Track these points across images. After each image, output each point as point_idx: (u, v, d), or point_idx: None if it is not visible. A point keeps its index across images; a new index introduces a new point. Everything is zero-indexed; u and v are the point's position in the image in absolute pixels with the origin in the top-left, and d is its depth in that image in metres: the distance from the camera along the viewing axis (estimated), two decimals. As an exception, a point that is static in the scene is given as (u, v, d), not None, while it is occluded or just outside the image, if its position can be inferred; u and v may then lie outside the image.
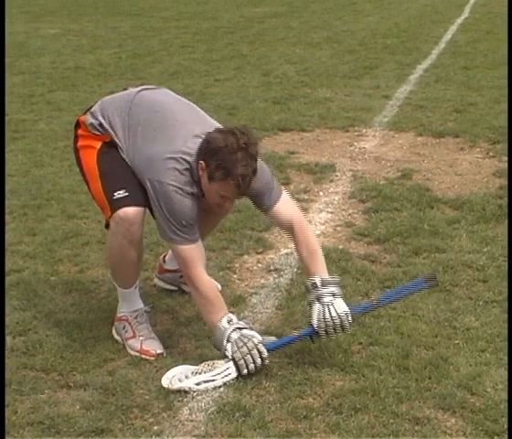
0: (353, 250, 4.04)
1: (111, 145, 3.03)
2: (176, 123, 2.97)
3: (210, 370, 2.86)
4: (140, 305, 3.20)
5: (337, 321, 2.92)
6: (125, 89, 3.27)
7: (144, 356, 3.05)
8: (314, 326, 2.95)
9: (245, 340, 2.88)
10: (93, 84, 7.86)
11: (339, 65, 9.02)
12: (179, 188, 2.86)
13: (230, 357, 2.87)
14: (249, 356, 2.86)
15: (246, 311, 3.38)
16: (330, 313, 2.92)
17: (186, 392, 2.80)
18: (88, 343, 3.13)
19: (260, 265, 3.88)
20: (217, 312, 2.95)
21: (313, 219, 4.48)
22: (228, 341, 2.89)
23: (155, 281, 3.65)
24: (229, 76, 8.44)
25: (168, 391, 2.80)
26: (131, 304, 3.18)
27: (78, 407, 2.73)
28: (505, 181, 4.96)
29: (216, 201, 2.95)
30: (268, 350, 2.91)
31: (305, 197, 4.83)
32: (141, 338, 3.10)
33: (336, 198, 4.80)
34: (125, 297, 3.18)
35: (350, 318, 2.95)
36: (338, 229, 4.35)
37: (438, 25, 12.22)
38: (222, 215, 3.50)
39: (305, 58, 9.47)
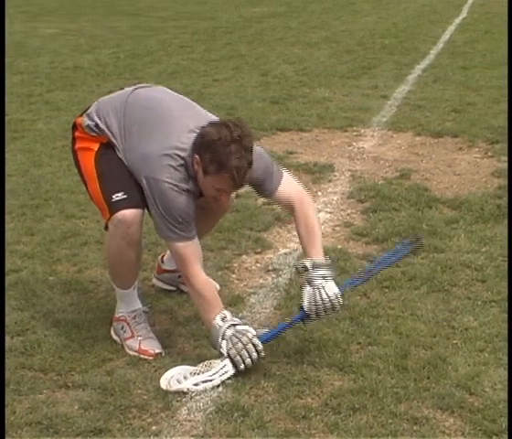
0: (351, 250, 4.04)
1: (108, 147, 3.03)
2: (171, 120, 2.96)
3: (208, 370, 2.86)
4: (138, 305, 3.20)
5: (328, 304, 2.92)
6: (122, 89, 3.27)
7: (142, 356, 3.05)
8: (305, 308, 2.94)
9: (239, 336, 2.88)
10: (92, 84, 7.86)
11: (338, 65, 9.03)
12: (174, 185, 2.86)
13: (226, 354, 2.88)
14: (244, 351, 2.86)
15: (244, 311, 3.38)
16: (321, 296, 2.92)
17: (184, 393, 2.80)
18: (86, 343, 3.13)
19: (258, 265, 3.88)
20: (212, 310, 2.94)
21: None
22: (223, 339, 2.89)
23: (154, 281, 3.65)
24: (227, 76, 8.44)
25: (167, 392, 2.80)
26: (129, 304, 3.18)
27: (76, 407, 2.73)
28: (503, 181, 4.96)
29: (212, 195, 2.94)
30: (262, 342, 2.91)
31: (304, 196, 4.83)
32: (139, 338, 3.10)
33: (335, 198, 4.80)
34: (124, 298, 3.18)
35: (341, 300, 2.95)
36: (337, 229, 4.35)
37: (436, 25, 12.23)
38: (220, 214, 3.50)
39: (304, 58, 9.48)
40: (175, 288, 3.56)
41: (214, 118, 3.03)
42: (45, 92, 7.63)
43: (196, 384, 2.82)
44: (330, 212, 4.58)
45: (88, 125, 3.07)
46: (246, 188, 4.85)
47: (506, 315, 3.30)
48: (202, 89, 7.71)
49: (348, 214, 4.54)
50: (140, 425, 2.64)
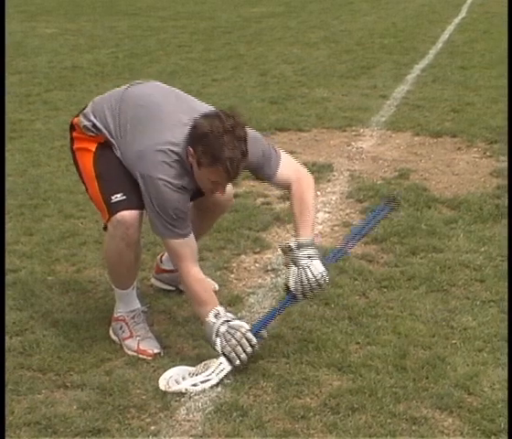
0: (350, 249, 4.04)
1: (106, 147, 3.03)
2: (164, 115, 2.95)
3: (205, 371, 2.87)
4: (137, 305, 3.20)
5: (314, 283, 2.91)
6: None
7: (141, 356, 3.04)
8: (292, 289, 2.94)
9: (232, 332, 2.88)
10: (90, 84, 7.85)
11: (336, 65, 9.03)
12: (169, 182, 2.85)
13: (220, 352, 2.88)
14: (238, 347, 2.86)
15: (243, 311, 3.38)
16: (307, 276, 2.91)
17: (183, 393, 2.79)
18: (85, 343, 3.13)
19: (257, 265, 3.88)
20: (205, 305, 2.94)
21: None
22: (216, 336, 2.89)
23: (152, 281, 3.65)
24: (226, 76, 8.44)
25: (165, 392, 2.80)
26: (128, 304, 3.18)
27: (75, 407, 2.73)
28: (502, 181, 4.96)
29: (208, 187, 2.93)
30: (256, 332, 2.91)
31: (303, 196, 4.83)
32: (138, 338, 3.10)
33: (334, 198, 4.80)
34: (122, 298, 3.18)
35: (327, 279, 2.94)
36: (336, 228, 4.35)
37: (435, 24, 12.23)
38: (218, 214, 3.50)
39: (303, 58, 9.47)
40: (173, 288, 3.56)
41: (209, 108, 3.01)
42: (43, 92, 7.62)
43: (194, 385, 2.82)
44: (329, 212, 4.58)
45: (85, 126, 3.07)
46: (245, 188, 4.88)
47: (504, 315, 3.30)
48: (201, 89, 7.71)
49: (347, 214, 4.54)
50: (139, 425, 2.64)
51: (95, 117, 3.05)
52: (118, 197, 2.96)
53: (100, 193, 3.01)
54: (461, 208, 4.53)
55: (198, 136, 2.81)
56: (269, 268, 3.84)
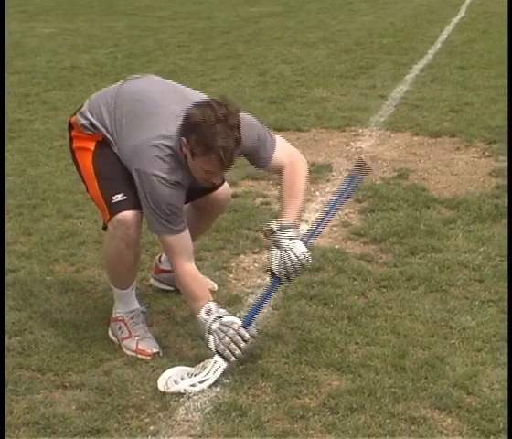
0: (349, 249, 4.04)
1: (104, 145, 3.02)
2: (158, 109, 2.93)
3: (202, 371, 2.87)
4: (136, 305, 3.20)
5: (298, 265, 2.90)
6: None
7: (140, 356, 3.04)
8: (275, 272, 2.92)
9: (225, 329, 2.88)
10: (89, 84, 7.84)
11: (335, 65, 9.03)
12: (163, 178, 2.84)
13: (214, 350, 2.88)
14: (232, 344, 2.86)
15: (242, 311, 3.37)
16: (289, 258, 2.89)
17: (181, 393, 2.79)
18: (84, 343, 3.13)
19: (256, 265, 3.88)
20: (198, 301, 2.94)
21: (309, 219, 4.47)
22: (209, 333, 2.89)
23: (151, 281, 3.65)
24: (224, 76, 8.44)
25: (164, 392, 2.80)
26: (127, 304, 3.18)
27: (74, 407, 2.72)
28: (501, 181, 4.97)
29: (202, 177, 2.91)
30: (248, 325, 2.91)
31: (302, 196, 4.82)
32: (137, 338, 3.10)
33: (333, 198, 4.79)
34: (122, 298, 3.18)
35: (310, 259, 2.93)
36: (335, 228, 4.34)
37: (434, 24, 12.23)
38: (216, 214, 3.50)
39: (301, 58, 9.47)
40: (172, 288, 3.55)
41: (202, 97, 2.97)
42: (42, 92, 7.62)
43: (192, 385, 2.82)
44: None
45: (83, 124, 3.06)
46: (243, 188, 4.88)
47: (503, 315, 3.30)
48: (200, 89, 7.61)
49: (346, 214, 4.54)
50: (138, 425, 2.64)
51: (92, 115, 3.05)
52: (119, 197, 2.96)
53: (100, 193, 3.01)
54: (460, 208, 4.53)
55: (191, 126, 2.79)
56: (268, 268, 3.82)
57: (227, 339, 2.86)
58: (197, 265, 3.64)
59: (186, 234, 2.96)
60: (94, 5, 14.82)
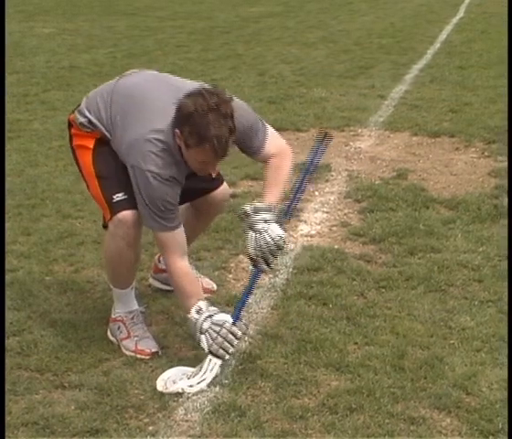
0: (348, 249, 4.04)
1: (103, 143, 3.02)
2: (150, 103, 2.92)
3: (199, 372, 2.87)
4: (135, 306, 3.20)
5: (274, 247, 2.87)
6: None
7: (139, 356, 3.04)
8: (252, 255, 2.90)
9: (217, 329, 2.87)
10: (88, 84, 7.83)
11: (335, 65, 9.03)
12: (157, 174, 2.83)
13: (207, 350, 2.87)
14: (225, 343, 2.86)
15: (242, 311, 3.37)
16: (265, 240, 2.86)
17: (180, 393, 2.79)
18: (83, 343, 3.13)
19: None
20: (189, 299, 2.93)
21: (308, 219, 4.48)
22: (201, 333, 2.88)
23: (150, 281, 3.64)
24: (224, 76, 8.44)
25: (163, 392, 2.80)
26: (126, 304, 3.17)
27: (73, 407, 2.72)
28: (500, 181, 4.97)
29: (198, 167, 2.90)
30: (237, 320, 2.90)
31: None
32: (135, 338, 3.09)
33: (332, 198, 4.79)
34: (121, 298, 3.17)
35: (287, 241, 2.90)
36: (334, 228, 4.35)
37: (433, 24, 12.23)
38: (215, 214, 3.50)
39: (301, 58, 9.47)
40: (171, 288, 3.55)
41: (194, 85, 2.94)
42: (41, 92, 7.61)
43: (190, 386, 2.82)
44: (327, 212, 4.58)
45: (81, 123, 3.06)
46: (242, 188, 4.88)
47: (502, 315, 3.30)
48: (199, 88, 7.69)
49: (345, 214, 4.54)
50: (137, 425, 2.63)
51: (90, 112, 3.04)
52: (119, 196, 2.96)
53: (101, 192, 3.02)
54: (459, 208, 4.53)
55: (183, 117, 2.77)
56: (267, 268, 3.83)
57: (220, 339, 2.86)
58: (196, 265, 3.67)
59: (181, 231, 2.95)
60: (94, 5, 14.81)
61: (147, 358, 3.03)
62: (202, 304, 2.92)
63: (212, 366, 2.86)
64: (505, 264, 3.76)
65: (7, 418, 2.64)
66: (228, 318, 2.91)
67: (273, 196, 2.94)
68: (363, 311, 3.35)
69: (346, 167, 5.37)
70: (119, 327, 3.15)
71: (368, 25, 12.34)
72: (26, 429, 2.61)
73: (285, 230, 2.93)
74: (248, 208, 2.90)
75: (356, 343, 3.11)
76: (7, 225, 4.28)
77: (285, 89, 7.73)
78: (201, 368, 2.87)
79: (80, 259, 3.92)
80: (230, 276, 3.76)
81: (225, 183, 3.39)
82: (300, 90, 7.69)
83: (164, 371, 2.91)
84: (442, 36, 11.10)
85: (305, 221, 4.45)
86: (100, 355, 3.05)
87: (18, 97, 7.35)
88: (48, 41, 10.76)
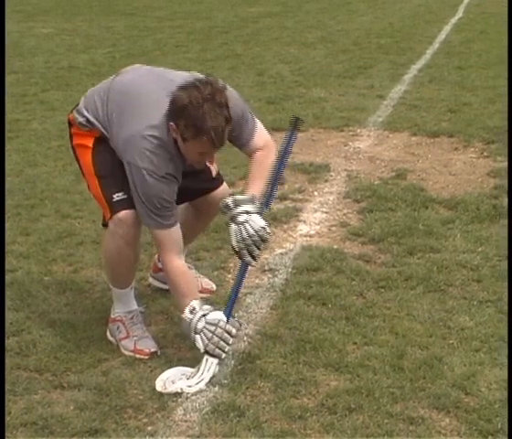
0: (347, 250, 4.04)
1: (103, 141, 3.02)
2: (143, 98, 2.91)
3: (197, 372, 2.87)
4: (134, 306, 3.20)
5: (256, 238, 2.87)
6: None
7: (138, 355, 3.04)
8: (235, 248, 2.90)
9: (212, 329, 2.86)
10: (87, 84, 7.83)
11: (333, 65, 9.03)
12: (153, 172, 2.83)
13: (203, 351, 2.87)
14: (221, 342, 2.86)
15: (240, 311, 3.38)
16: (247, 231, 2.86)
17: (179, 393, 2.79)
18: (82, 343, 3.12)
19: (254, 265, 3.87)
20: (184, 298, 2.93)
21: (307, 219, 4.48)
22: (195, 333, 2.88)
23: (150, 280, 3.64)
24: (223, 76, 8.37)
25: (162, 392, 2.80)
26: (126, 304, 3.17)
27: (72, 407, 2.72)
28: (499, 181, 4.97)
29: (195, 159, 2.89)
30: (230, 316, 2.90)
31: (300, 196, 4.83)
32: (134, 338, 3.09)
33: (331, 198, 4.79)
34: (120, 298, 3.17)
35: (269, 230, 2.90)
36: (333, 229, 4.35)
37: (432, 25, 12.23)
38: (214, 214, 3.49)
39: (300, 58, 9.47)
40: (170, 288, 3.55)
41: (186, 76, 2.92)
42: (40, 92, 7.61)
43: (189, 386, 2.82)
44: (326, 212, 4.58)
45: (80, 122, 3.06)
46: (242, 188, 4.87)
47: (501, 316, 3.30)
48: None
49: (344, 214, 4.54)
50: (135, 426, 2.63)
51: (88, 111, 3.04)
52: (119, 195, 2.96)
53: (101, 191, 3.02)
54: (458, 208, 4.53)
55: (178, 110, 2.75)
56: (266, 268, 3.83)
57: (215, 338, 2.86)
58: (195, 265, 3.67)
59: (177, 229, 2.95)
60: (93, 5, 14.81)
61: (146, 358, 3.03)
62: (195, 303, 2.92)
63: (209, 366, 2.86)
64: (504, 264, 3.77)
65: (7, 418, 2.64)
66: (221, 316, 2.91)
67: (256, 188, 2.95)
68: (362, 311, 3.35)
69: (345, 167, 5.37)
70: (118, 327, 3.14)
71: (367, 25, 12.35)
72: (25, 429, 2.61)
73: (268, 222, 2.93)
74: (229, 200, 2.89)
75: (355, 343, 3.11)
76: (7, 225, 4.28)
77: (284, 89, 7.73)
78: (199, 368, 2.87)
79: (79, 259, 3.92)
80: (229, 276, 3.76)
81: (225, 183, 3.39)
82: (299, 90, 7.69)
83: (163, 371, 2.91)
84: (441, 36, 11.10)
85: (304, 221, 4.45)
86: (99, 355, 3.05)
87: (17, 97, 7.34)
88: (47, 41, 10.76)
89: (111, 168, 2.99)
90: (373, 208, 4.56)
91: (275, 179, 3.01)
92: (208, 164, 3.24)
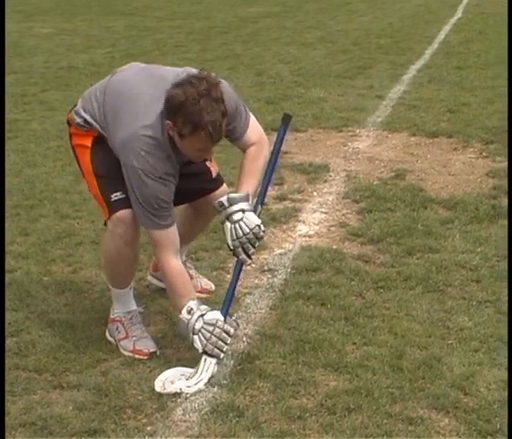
0: (347, 250, 4.04)
1: (101, 140, 3.01)
2: (137, 98, 2.90)
3: (196, 373, 2.87)
4: (134, 306, 3.20)
5: (251, 236, 2.87)
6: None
7: (137, 356, 3.04)
8: (230, 246, 2.90)
9: (210, 329, 2.86)
10: (86, 84, 7.80)
11: (333, 65, 9.03)
12: (150, 172, 2.83)
13: (202, 351, 2.87)
14: (219, 342, 2.86)
15: (240, 311, 3.38)
16: (242, 229, 2.87)
17: (178, 393, 2.79)
18: (81, 343, 3.12)
19: (253, 265, 3.87)
20: (181, 298, 2.92)
21: (307, 220, 4.48)
22: (193, 334, 2.87)
23: (149, 278, 3.64)
24: (222, 76, 8.27)
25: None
26: (125, 305, 3.17)
27: (71, 408, 2.72)
28: (498, 181, 4.97)
29: (194, 155, 2.89)
30: (227, 314, 2.90)
31: (299, 197, 4.83)
32: (133, 339, 3.09)
33: (330, 199, 4.80)
34: (120, 298, 3.17)
35: (263, 227, 2.91)
36: (332, 229, 4.35)
37: (431, 25, 12.24)
38: (213, 214, 3.49)
39: (299, 58, 9.47)
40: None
41: (178, 72, 2.91)
42: (39, 92, 7.61)
43: (188, 386, 2.82)
44: (325, 212, 4.58)
45: (78, 123, 3.06)
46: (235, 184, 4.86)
47: (500, 316, 3.30)
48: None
49: (344, 214, 4.54)
50: (135, 426, 2.63)
51: (85, 112, 3.04)
52: (118, 195, 2.97)
53: (99, 191, 3.02)
54: (457, 208, 4.53)
55: (175, 107, 2.75)
56: (265, 268, 3.83)
57: (214, 339, 2.86)
58: (194, 265, 3.67)
59: (174, 229, 2.95)
60: (92, 5, 14.80)
61: (145, 358, 3.03)
62: (193, 303, 2.91)
63: (208, 366, 2.86)
64: (503, 264, 3.77)
65: (6, 418, 2.63)
66: (219, 316, 2.91)
67: (249, 186, 2.95)
68: (361, 311, 3.35)
69: (344, 168, 5.37)
70: (117, 328, 3.14)
71: (367, 25, 12.35)
72: (24, 429, 2.61)
73: (262, 221, 2.93)
74: (224, 199, 2.90)
75: (354, 343, 3.11)
76: (6, 225, 4.28)
77: (283, 89, 7.73)
78: (198, 369, 2.87)
79: (78, 259, 3.92)
80: (229, 276, 3.74)
81: (224, 184, 3.39)
82: (298, 90, 7.69)
83: (162, 372, 2.91)
84: (441, 36, 11.10)
85: (304, 222, 4.45)
86: (98, 355, 3.05)
87: (16, 97, 7.34)
88: (47, 41, 10.76)
89: (109, 168, 2.99)
90: (372, 208, 4.56)
91: (269, 177, 3.01)
92: (208, 164, 3.24)
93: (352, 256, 3.94)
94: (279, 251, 4.03)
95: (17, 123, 6.47)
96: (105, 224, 3.09)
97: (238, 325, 3.00)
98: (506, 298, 3.34)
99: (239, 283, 3.05)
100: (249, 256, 2.93)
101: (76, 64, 9.02)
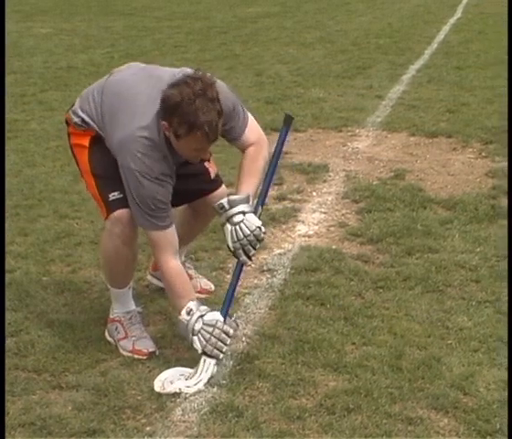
0: (346, 250, 4.04)
1: (98, 140, 3.01)
2: (134, 98, 2.90)
3: (195, 374, 2.87)
4: (133, 306, 3.20)
5: (252, 238, 2.87)
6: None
7: (136, 356, 3.04)
8: (231, 248, 2.90)
9: (210, 330, 2.86)
10: (86, 84, 7.75)
11: (332, 65, 9.03)
12: (146, 173, 2.82)
13: (201, 351, 2.87)
14: (219, 342, 2.86)
15: (239, 311, 3.38)
16: (243, 232, 2.86)
17: (177, 393, 2.79)
18: (80, 344, 3.12)
19: (253, 265, 3.87)
20: (180, 299, 2.92)
21: (306, 220, 4.48)
22: (193, 334, 2.87)
23: (149, 278, 3.64)
24: (221, 76, 8.35)
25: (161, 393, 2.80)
26: (124, 305, 3.17)
27: (70, 408, 2.72)
28: (497, 181, 4.97)
29: (191, 155, 2.89)
30: (226, 315, 2.90)
31: (299, 197, 4.83)
32: (133, 339, 3.09)
33: (330, 199, 4.80)
34: (119, 298, 3.17)
35: (264, 229, 2.90)
36: (331, 229, 4.35)
37: (431, 25, 12.24)
38: (212, 215, 3.49)
39: (298, 58, 9.47)
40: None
41: (174, 72, 2.90)
42: (38, 92, 7.61)
43: (188, 386, 2.82)
44: (325, 212, 4.58)
45: (76, 123, 3.06)
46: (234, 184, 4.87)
47: (500, 316, 3.30)
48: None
49: (343, 214, 4.54)
50: (134, 426, 2.63)
51: (83, 111, 3.04)
52: (115, 195, 2.96)
53: (97, 191, 3.02)
54: (456, 208, 4.53)
55: (171, 108, 2.74)
56: (264, 268, 3.83)
57: (213, 340, 2.85)
58: (194, 265, 3.67)
59: (172, 230, 2.94)
60: (91, 5, 14.80)
61: (144, 358, 3.03)
62: (192, 304, 2.91)
63: (207, 366, 2.86)
64: (502, 265, 3.77)
65: (5, 418, 2.63)
66: (219, 317, 2.90)
67: (249, 186, 2.94)
68: (361, 311, 3.35)
69: (343, 168, 5.37)
70: (116, 328, 3.14)
71: (366, 25, 12.35)
72: (24, 430, 2.61)
73: (263, 222, 2.93)
74: (224, 201, 2.89)
75: (353, 343, 3.11)
76: (5, 225, 4.28)
77: (283, 89, 7.73)
78: (197, 369, 2.87)
79: (77, 259, 3.92)
80: (228, 277, 3.74)
81: (223, 185, 3.38)
82: (297, 90, 7.69)
83: (161, 372, 2.91)
84: (440, 36, 11.11)
85: (303, 222, 4.45)
86: (97, 355, 3.05)
87: (16, 97, 7.34)
88: (46, 41, 10.75)
89: (107, 168, 2.99)
90: (371, 208, 4.56)
91: (270, 178, 3.00)
92: (206, 165, 3.24)
93: (351, 256, 3.94)
94: (278, 251, 4.03)
95: (17, 123, 6.47)
96: None
97: (237, 325, 3.00)
98: (506, 298, 3.35)
99: (239, 283, 3.04)
100: (249, 257, 2.93)
101: (75, 64, 9.02)
